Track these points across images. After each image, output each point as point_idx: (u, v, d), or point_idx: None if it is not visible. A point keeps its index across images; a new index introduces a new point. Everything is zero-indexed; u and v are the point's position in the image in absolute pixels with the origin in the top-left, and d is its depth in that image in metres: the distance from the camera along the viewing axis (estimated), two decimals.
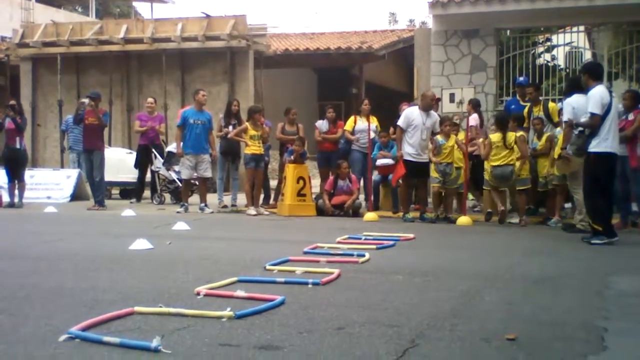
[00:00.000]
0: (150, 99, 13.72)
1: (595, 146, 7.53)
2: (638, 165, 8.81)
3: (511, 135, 9.69)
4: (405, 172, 10.12)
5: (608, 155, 7.62)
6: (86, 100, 11.95)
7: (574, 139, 7.85)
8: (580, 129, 7.79)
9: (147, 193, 13.55)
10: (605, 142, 7.53)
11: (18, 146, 12.23)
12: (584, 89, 7.97)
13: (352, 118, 11.92)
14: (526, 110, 10.46)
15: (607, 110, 7.55)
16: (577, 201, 8.81)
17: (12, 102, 12.73)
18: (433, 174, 10.22)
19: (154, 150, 13.22)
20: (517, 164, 9.73)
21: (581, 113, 8.42)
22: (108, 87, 16.90)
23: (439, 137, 10.13)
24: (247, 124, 11.29)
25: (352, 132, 11.60)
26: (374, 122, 11.71)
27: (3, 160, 12.48)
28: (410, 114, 10.19)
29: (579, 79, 10.12)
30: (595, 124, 7.50)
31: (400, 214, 10.50)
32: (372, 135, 11.33)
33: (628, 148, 8.90)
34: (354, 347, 3.41)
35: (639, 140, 8.80)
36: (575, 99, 8.24)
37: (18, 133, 12.23)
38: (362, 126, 11.52)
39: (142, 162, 13.23)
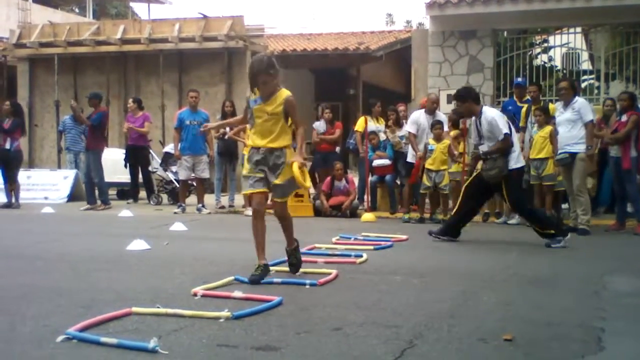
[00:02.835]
0: (130, 100, 13.75)
1: (515, 162, 7.58)
2: (631, 166, 8.81)
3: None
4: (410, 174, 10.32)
5: (522, 168, 7.88)
6: (73, 103, 12.13)
7: (492, 163, 7.49)
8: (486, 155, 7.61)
9: (144, 194, 13.53)
10: (519, 157, 7.72)
11: (8, 147, 12.14)
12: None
13: (362, 118, 11.90)
14: (524, 110, 10.47)
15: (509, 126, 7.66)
16: (580, 202, 8.70)
17: (9, 102, 12.70)
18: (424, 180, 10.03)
19: (150, 151, 13.24)
20: None
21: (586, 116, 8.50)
22: (105, 88, 16.85)
23: (430, 141, 10.01)
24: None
25: (363, 133, 11.54)
26: (382, 124, 11.72)
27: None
28: (417, 118, 10.29)
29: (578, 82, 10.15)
30: (509, 144, 7.50)
31: (398, 214, 10.57)
32: (383, 137, 11.39)
33: (621, 149, 8.91)
34: (351, 348, 3.41)
35: (632, 141, 8.78)
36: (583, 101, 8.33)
37: (9, 134, 12.14)
38: (373, 127, 11.53)
39: (131, 162, 13.21)
